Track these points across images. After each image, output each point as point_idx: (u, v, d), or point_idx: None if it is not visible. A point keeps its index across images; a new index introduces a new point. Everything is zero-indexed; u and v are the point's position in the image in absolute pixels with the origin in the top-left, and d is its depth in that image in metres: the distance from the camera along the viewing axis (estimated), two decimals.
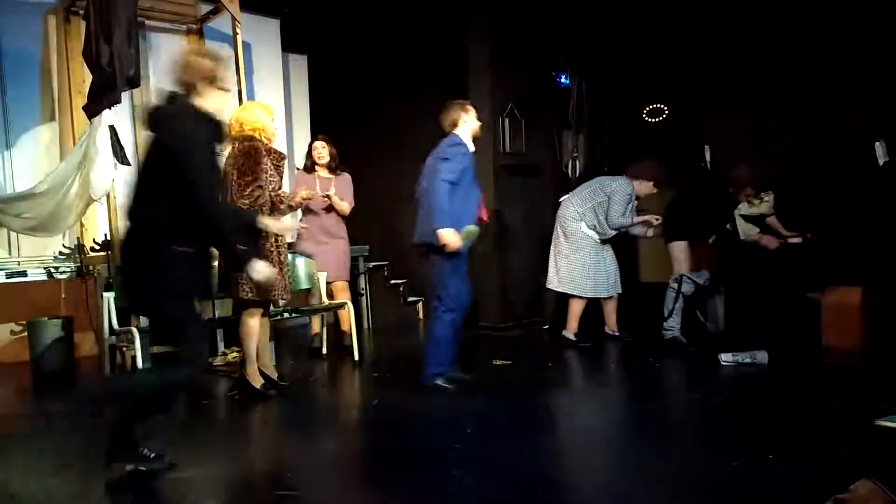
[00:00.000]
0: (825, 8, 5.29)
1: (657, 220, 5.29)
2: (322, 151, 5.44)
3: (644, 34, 6.51)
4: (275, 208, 4.01)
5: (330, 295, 5.39)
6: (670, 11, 6.23)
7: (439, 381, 4.04)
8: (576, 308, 5.39)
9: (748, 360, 4.47)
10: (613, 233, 5.32)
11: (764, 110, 5.57)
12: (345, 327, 5.58)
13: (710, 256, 5.37)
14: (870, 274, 4.59)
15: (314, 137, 5.69)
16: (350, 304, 5.30)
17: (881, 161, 4.83)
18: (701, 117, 6.38)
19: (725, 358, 4.50)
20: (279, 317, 5.08)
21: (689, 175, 6.11)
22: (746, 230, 5.30)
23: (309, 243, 5.39)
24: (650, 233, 5.41)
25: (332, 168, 5.48)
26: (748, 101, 5.71)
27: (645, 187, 5.34)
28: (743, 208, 5.33)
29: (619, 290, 5.50)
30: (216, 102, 2.87)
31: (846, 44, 5.16)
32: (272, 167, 4.04)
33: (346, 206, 5.40)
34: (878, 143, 4.83)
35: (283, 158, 4.18)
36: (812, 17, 5.38)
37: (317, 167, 5.46)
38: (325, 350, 5.49)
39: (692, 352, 4.91)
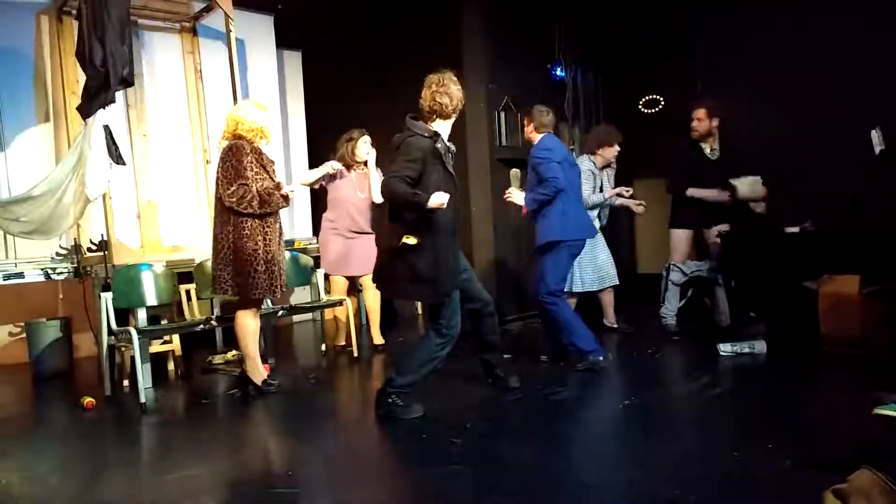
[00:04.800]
0: None
1: (628, 191, 5.39)
2: (368, 147, 5.32)
3: (640, 24, 6.49)
4: (265, 203, 3.98)
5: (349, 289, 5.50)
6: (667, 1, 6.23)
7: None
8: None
9: (747, 351, 4.49)
10: (594, 213, 5.35)
11: (761, 99, 5.55)
12: (372, 318, 5.58)
13: (715, 246, 5.35)
14: (867, 262, 4.59)
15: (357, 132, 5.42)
16: (349, 301, 5.30)
17: (877, 149, 4.83)
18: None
19: (724, 348, 4.52)
20: (276, 314, 5.08)
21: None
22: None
23: (338, 237, 5.33)
24: (639, 209, 5.48)
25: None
26: (744, 90, 5.68)
27: (608, 153, 5.38)
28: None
29: (616, 282, 5.45)
30: None
31: (842, 34, 5.14)
32: (257, 165, 4.03)
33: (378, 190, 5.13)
34: (874, 132, 4.82)
35: (265, 156, 4.15)
36: (810, 7, 5.37)
37: (356, 165, 5.34)
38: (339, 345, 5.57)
39: (676, 340, 5.09)
